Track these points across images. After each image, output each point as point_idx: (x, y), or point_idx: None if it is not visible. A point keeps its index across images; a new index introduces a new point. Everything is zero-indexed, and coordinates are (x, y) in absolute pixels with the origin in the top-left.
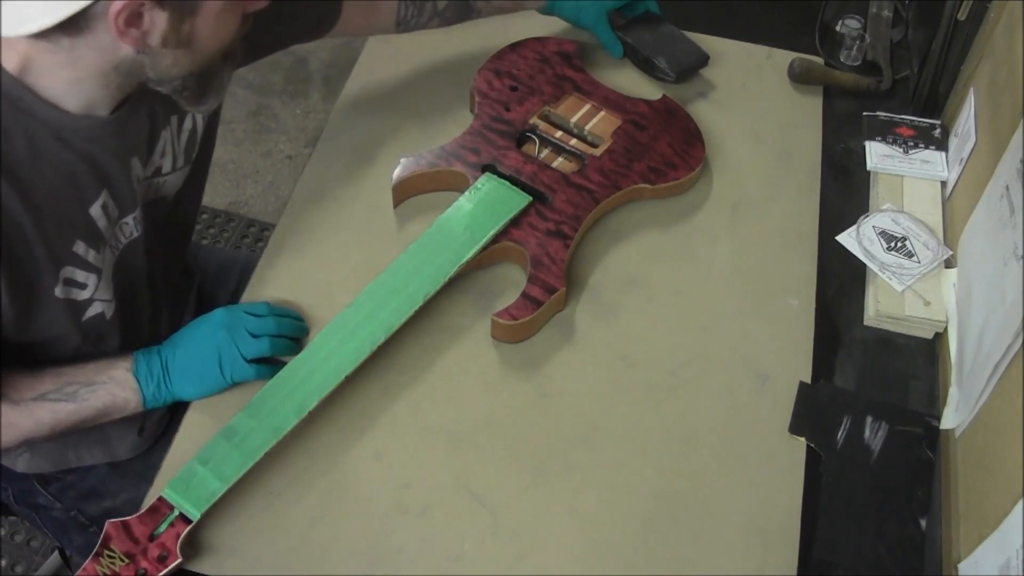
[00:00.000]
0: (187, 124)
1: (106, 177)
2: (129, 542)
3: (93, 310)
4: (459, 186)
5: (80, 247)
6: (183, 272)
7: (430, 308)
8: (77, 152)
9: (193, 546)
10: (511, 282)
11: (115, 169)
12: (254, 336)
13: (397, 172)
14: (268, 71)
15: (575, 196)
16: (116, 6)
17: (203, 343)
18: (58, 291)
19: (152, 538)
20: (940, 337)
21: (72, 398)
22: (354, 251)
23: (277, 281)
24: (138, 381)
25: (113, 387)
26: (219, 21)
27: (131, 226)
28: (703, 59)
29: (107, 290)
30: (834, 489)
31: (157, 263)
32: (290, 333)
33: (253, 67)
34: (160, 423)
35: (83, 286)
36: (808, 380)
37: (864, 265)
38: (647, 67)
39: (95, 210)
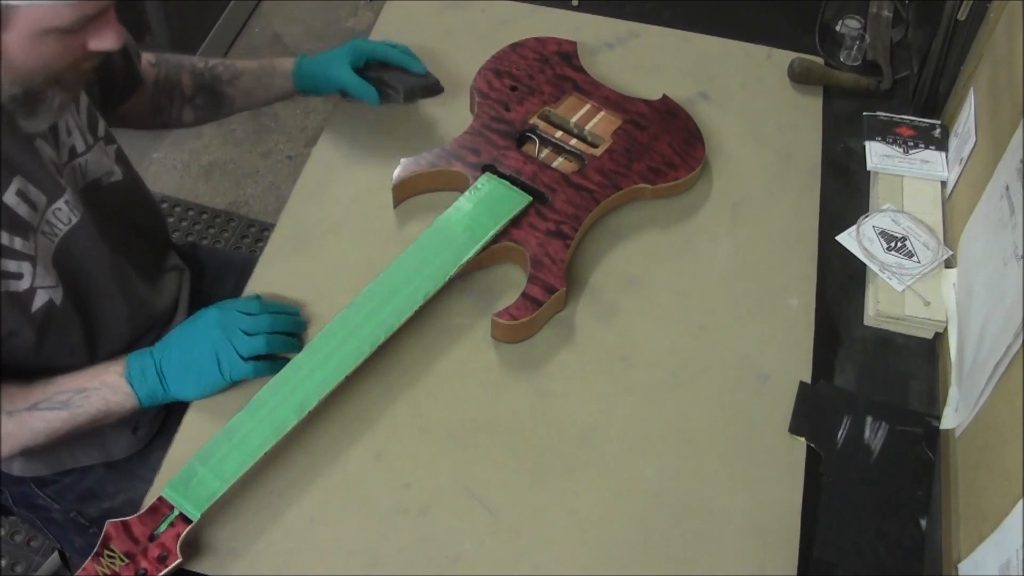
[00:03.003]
0: (84, 100)
1: (12, 163)
2: (129, 542)
3: (40, 299)
4: (459, 186)
5: (3, 236)
6: (166, 266)
7: (430, 308)
8: None
9: (193, 546)
10: (511, 282)
11: (20, 153)
12: (249, 334)
13: (397, 172)
14: None
15: (575, 196)
16: None
17: (198, 343)
18: None
19: (152, 538)
20: (940, 337)
21: (65, 406)
22: (354, 251)
23: (277, 281)
24: (131, 385)
25: (106, 392)
26: (35, 41)
27: (66, 211)
28: (435, 86)
29: (48, 276)
30: (834, 489)
31: (118, 251)
32: (286, 329)
33: None
34: (154, 422)
35: (19, 275)
36: (808, 380)
37: (864, 265)
38: (383, 88)
39: (10, 197)
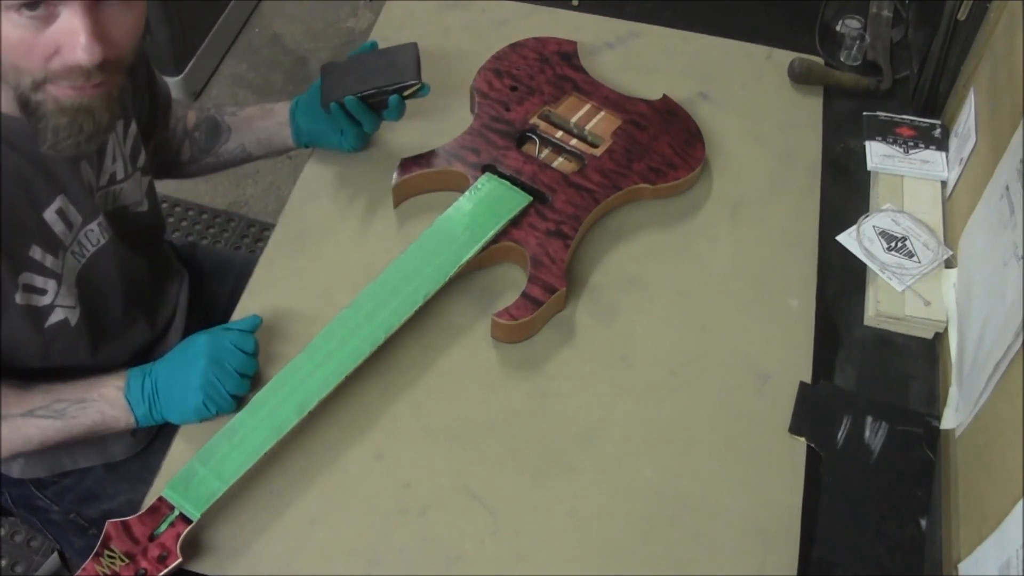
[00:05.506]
0: (132, 129)
1: (58, 181)
2: (129, 542)
3: (55, 317)
4: (459, 186)
5: (36, 252)
6: (162, 279)
7: (430, 308)
8: (25, 154)
9: (193, 546)
10: (511, 282)
11: (66, 172)
12: (242, 375)
13: (397, 172)
14: (268, 71)
15: (575, 196)
16: None
17: (189, 372)
18: (18, 298)
19: (152, 538)
20: (940, 337)
21: (61, 415)
22: (354, 251)
23: (277, 281)
24: (129, 403)
25: (103, 406)
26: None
27: (97, 233)
28: (413, 49)
29: (69, 296)
30: (834, 489)
31: (130, 270)
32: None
33: (253, 66)
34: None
35: (43, 292)
36: (808, 380)
37: (864, 265)
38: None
39: (50, 215)
